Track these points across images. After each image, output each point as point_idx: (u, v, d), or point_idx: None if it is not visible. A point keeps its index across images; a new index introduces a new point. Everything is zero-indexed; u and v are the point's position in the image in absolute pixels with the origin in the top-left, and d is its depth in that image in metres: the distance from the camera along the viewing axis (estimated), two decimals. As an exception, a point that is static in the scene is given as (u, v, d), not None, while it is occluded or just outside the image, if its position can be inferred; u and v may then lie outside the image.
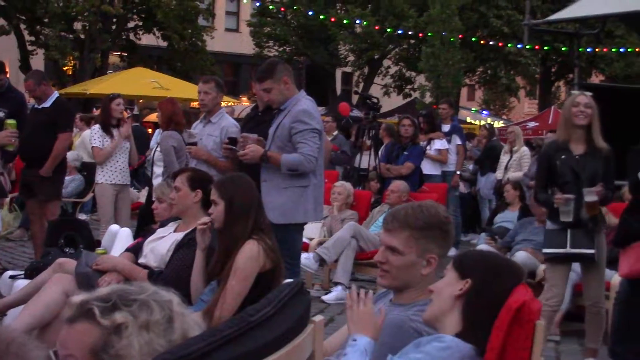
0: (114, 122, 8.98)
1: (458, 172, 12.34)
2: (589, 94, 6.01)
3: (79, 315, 2.02)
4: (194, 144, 7.35)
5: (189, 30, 30.74)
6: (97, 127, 9.15)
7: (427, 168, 11.33)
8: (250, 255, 4.19)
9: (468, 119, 34.46)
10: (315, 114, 6.17)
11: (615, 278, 6.49)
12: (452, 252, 11.11)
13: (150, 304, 2.04)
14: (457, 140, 12.08)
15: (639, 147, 5.28)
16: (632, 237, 5.28)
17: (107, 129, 8.97)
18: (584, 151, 5.93)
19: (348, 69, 36.80)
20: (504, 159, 12.83)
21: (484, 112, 42.22)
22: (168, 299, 2.10)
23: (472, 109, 42.71)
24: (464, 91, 41.76)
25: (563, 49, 26.01)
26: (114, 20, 29.41)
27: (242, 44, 37.35)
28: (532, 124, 24.82)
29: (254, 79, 6.53)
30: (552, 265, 6.22)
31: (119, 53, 32.16)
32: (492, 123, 22.04)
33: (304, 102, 6.18)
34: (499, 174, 12.81)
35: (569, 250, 5.94)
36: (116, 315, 2.00)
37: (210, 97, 7.48)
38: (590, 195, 5.83)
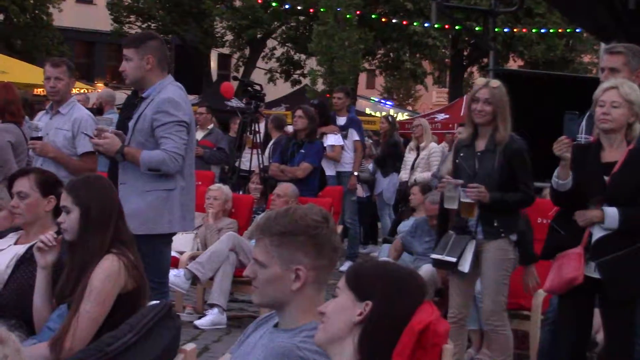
0: None
1: (355, 173, 12.39)
2: (495, 82, 6.19)
3: None
4: (39, 138, 7.22)
5: (31, 2, 30.15)
6: None
7: (320, 168, 11.37)
8: (108, 273, 4.14)
9: (367, 110, 34.89)
10: (182, 104, 6.14)
11: (536, 298, 6.69)
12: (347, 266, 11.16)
13: None
14: (354, 135, 12.08)
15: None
16: (557, 248, 5.43)
17: None
18: (485, 147, 6.14)
19: (226, 50, 36.78)
20: (409, 157, 12.96)
21: (387, 102, 42.75)
22: None
23: (372, 98, 43.20)
24: (362, 78, 42.26)
25: (477, 28, 26.58)
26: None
27: (97, 18, 36.83)
28: (441, 116, 25.24)
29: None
30: (449, 274, 6.46)
31: (-56, 28, 31.33)
32: (394, 115, 22.34)
33: (169, 90, 6.14)
34: (404, 175, 12.91)
35: (442, 257, 6.13)
36: None
37: (63, 83, 7.36)
38: (465, 195, 6.04)
